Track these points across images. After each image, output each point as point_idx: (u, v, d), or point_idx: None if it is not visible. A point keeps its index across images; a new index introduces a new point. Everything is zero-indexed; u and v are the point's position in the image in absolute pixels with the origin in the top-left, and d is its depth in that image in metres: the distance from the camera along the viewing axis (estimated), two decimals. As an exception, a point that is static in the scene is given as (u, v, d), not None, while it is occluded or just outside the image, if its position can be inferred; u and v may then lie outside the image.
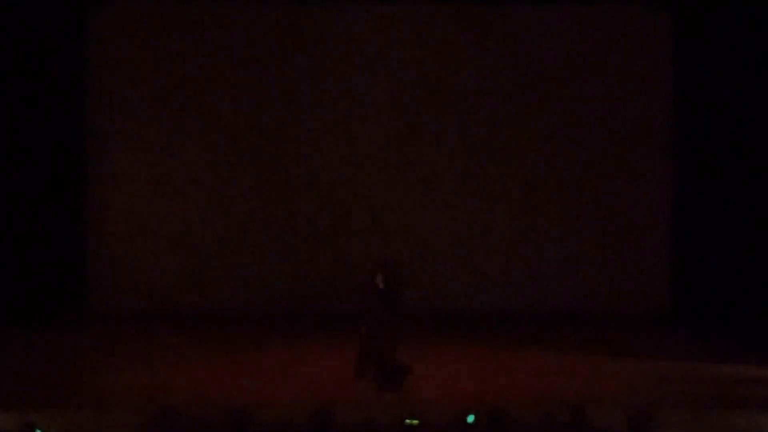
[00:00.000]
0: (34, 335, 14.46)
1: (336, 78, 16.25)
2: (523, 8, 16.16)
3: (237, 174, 16.26)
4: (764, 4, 14.34)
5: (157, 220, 16.18)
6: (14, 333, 14.36)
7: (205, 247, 16.21)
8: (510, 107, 16.28)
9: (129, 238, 16.09)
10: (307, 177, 16.26)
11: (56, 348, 13.99)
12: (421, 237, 16.23)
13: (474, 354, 13.80)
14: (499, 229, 16.25)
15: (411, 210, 16.26)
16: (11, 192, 15.15)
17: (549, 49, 16.19)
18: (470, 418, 9.75)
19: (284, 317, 15.77)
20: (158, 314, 15.59)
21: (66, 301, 15.61)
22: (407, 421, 9.78)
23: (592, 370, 12.99)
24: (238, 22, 16.23)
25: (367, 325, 11.99)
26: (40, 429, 9.55)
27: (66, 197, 15.72)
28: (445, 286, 16.08)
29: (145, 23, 16.19)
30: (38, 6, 15.32)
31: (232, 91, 16.28)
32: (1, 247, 15.05)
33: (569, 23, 16.22)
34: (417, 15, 16.29)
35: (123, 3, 16.12)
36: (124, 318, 15.62)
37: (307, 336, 14.84)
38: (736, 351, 13.75)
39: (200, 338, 14.60)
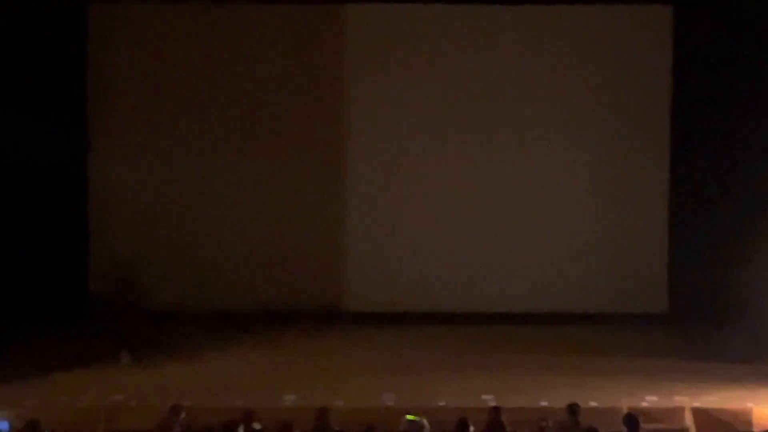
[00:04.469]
0: (37, 335, 14.49)
1: (337, 78, 16.28)
2: (527, 7, 16.17)
3: (241, 174, 16.30)
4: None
5: (160, 219, 16.20)
6: (17, 333, 14.39)
7: (209, 246, 16.23)
8: (508, 107, 16.30)
9: (131, 237, 16.12)
10: (310, 176, 16.30)
11: (60, 347, 14.06)
12: (421, 237, 16.27)
13: (473, 354, 13.89)
14: (497, 230, 16.28)
15: (412, 211, 16.31)
16: (11, 192, 15.20)
17: (548, 50, 16.21)
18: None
19: (286, 317, 15.80)
20: (162, 314, 15.61)
21: (68, 300, 15.64)
22: (408, 416, 9.90)
23: (590, 369, 13.07)
24: (241, 22, 16.27)
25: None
26: (44, 428, 9.63)
27: (67, 198, 15.75)
28: (443, 286, 16.10)
29: (148, 22, 16.23)
30: (37, 5, 15.37)
31: (235, 91, 16.27)
32: (1, 248, 15.10)
33: (570, 21, 16.26)
34: (417, 15, 16.33)
35: (125, 1, 16.17)
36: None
37: (308, 336, 14.91)
38: (736, 350, 13.80)
39: (203, 338, 14.66)
